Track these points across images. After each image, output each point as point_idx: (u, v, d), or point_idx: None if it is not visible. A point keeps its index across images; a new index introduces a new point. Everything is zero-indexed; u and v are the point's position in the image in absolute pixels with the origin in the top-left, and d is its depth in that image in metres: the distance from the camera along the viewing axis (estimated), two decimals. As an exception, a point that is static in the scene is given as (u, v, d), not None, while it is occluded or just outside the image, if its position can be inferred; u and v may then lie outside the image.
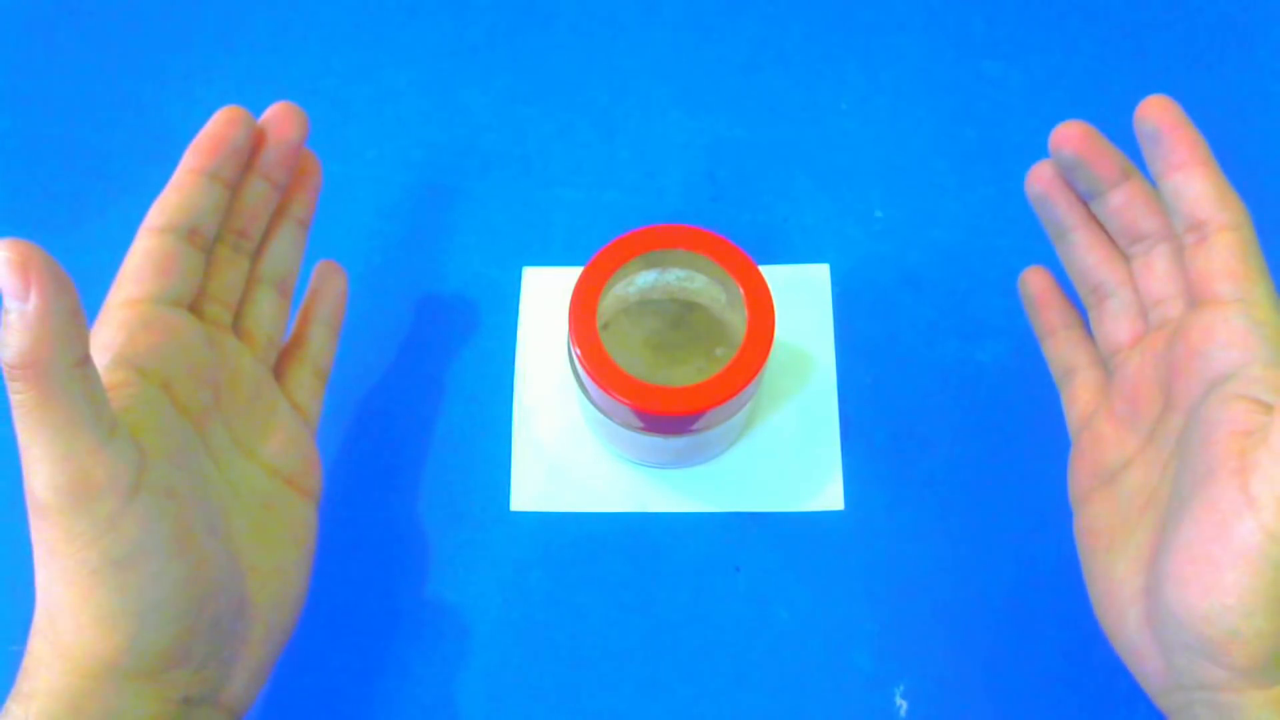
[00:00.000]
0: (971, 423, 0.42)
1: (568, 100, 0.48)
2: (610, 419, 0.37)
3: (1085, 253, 0.33)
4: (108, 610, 0.27)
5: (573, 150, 0.47)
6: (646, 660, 0.39)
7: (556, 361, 0.43)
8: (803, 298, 0.44)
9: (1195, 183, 0.29)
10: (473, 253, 0.45)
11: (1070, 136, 0.31)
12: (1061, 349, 0.35)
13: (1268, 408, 0.26)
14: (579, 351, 0.34)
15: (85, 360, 0.26)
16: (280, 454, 0.34)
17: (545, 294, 0.44)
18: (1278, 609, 0.25)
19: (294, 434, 0.35)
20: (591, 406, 0.37)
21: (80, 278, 0.45)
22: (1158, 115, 0.30)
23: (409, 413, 0.42)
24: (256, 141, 0.33)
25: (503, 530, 0.40)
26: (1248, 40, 0.49)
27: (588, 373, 0.34)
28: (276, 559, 0.33)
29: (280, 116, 0.34)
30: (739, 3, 0.50)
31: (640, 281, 0.38)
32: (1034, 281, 0.36)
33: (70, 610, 0.27)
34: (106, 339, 0.30)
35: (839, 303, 0.44)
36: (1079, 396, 0.34)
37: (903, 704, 0.38)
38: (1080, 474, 0.33)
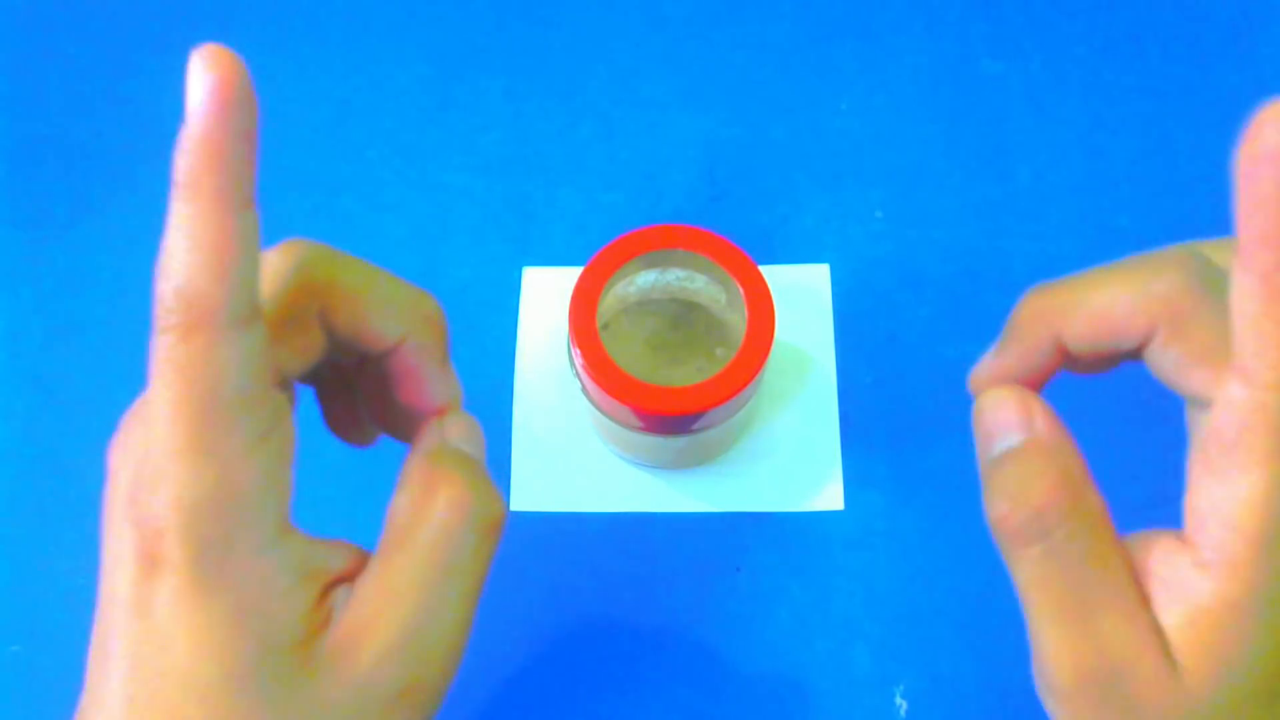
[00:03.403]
0: (971, 423, 0.41)
1: (568, 100, 0.48)
2: (610, 419, 0.37)
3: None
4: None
5: (573, 150, 0.47)
6: (647, 660, 0.39)
7: (556, 361, 0.43)
8: (803, 298, 0.44)
9: (1245, 295, 0.20)
10: (473, 253, 0.45)
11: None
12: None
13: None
14: (579, 351, 0.34)
15: None
16: None
17: (545, 294, 0.44)
18: None
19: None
20: (591, 406, 0.37)
21: (80, 277, 0.45)
22: (1247, 161, 0.20)
23: (409, 413, 0.42)
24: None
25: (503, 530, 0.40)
26: (1248, 40, 0.49)
27: (588, 373, 0.34)
28: None
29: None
30: (739, 3, 0.50)
31: (640, 281, 0.38)
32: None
33: None
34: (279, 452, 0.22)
35: (839, 303, 0.44)
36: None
37: (903, 704, 0.38)
38: None
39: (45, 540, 0.41)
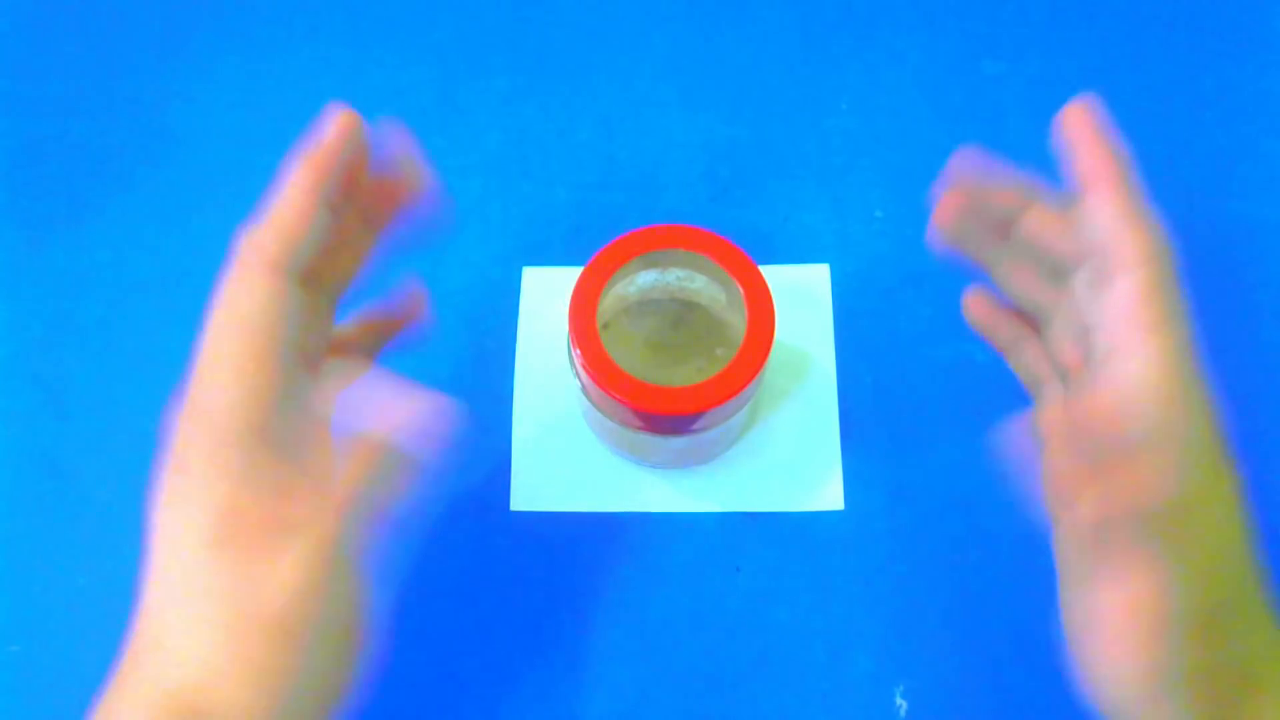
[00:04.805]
0: (971, 423, 0.41)
1: (568, 100, 0.48)
2: (610, 419, 0.37)
3: (1014, 284, 0.32)
4: (287, 690, 0.26)
5: (573, 150, 0.47)
6: (647, 660, 0.39)
7: (556, 361, 0.43)
8: (803, 298, 0.44)
9: (1099, 212, 0.27)
10: (473, 253, 0.45)
11: (946, 213, 0.30)
12: (1023, 362, 0.34)
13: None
14: (579, 351, 0.34)
15: None
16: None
17: (545, 294, 0.44)
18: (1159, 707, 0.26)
19: (331, 461, 0.32)
20: (591, 406, 0.37)
21: (80, 277, 0.45)
22: (1069, 127, 0.27)
23: (409, 413, 0.42)
24: (361, 158, 0.29)
25: (503, 530, 0.40)
26: (1248, 40, 0.49)
27: (588, 373, 0.34)
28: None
29: (390, 141, 0.29)
30: (739, 3, 0.50)
31: (640, 281, 0.38)
32: (975, 306, 0.35)
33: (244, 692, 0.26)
34: (254, 415, 0.26)
35: (839, 303, 0.44)
36: (1047, 408, 0.32)
37: (903, 704, 0.38)
38: (1047, 494, 0.32)
39: (45, 540, 0.41)
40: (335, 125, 0.27)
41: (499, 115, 0.48)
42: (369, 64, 0.49)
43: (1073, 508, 0.30)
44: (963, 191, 0.30)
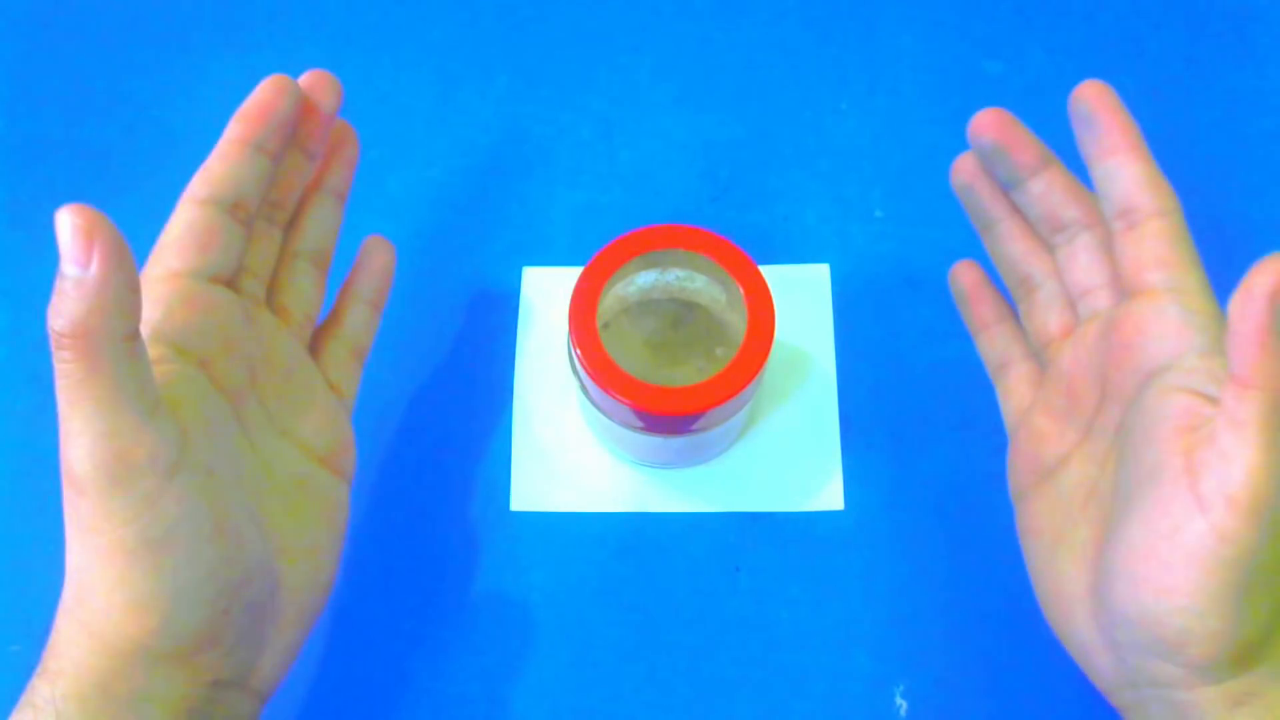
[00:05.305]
0: (971, 423, 0.42)
1: (568, 100, 0.48)
2: (610, 419, 0.37)
3: (1011, 244, 0.33)
4: (142, 591, 0.26)
5: (573, 150, 0.47)
6: (646, 660, 0.39)
7: (556, 361, 0.43)
8: (803, 298, 0.44)
9: (1126, 169, 0.29)
10: (473, 253, 0.45)
11: (988, 124, 0.31)
12: (995, 343, 0.35)
13: (1209, 400, 0.26)
14: (579, 351, 0.34)
15: (135, 335, 0.25)
16: (315, 433, 0.33)
17: (545, 294, 0.44)
18: (1230, 608, 0.25)
19: (329, 413, 0.34)
20: (591, 406, 0.37)
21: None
22: (1092, 99, 0.30)
23: (409, 412, 0.42)
24: (301, 112, 0.32)
25: (503, 530, 0.40)
26: (1248, 40, 0.49)
27: (588, 373, 0.34)
28: (309, 540, 0.33)
29: (314, 85, 0.33)
30: (739, 3, 0.50)
31: (640, 281, 0.38)
32: (965, 276, 0.36)
33: (103, 590, 0.26)
34: (144, 314, 0.28)
35: (839, 303, 0.44)
36: (1014, 391, 0.34)
37: (903, 704, 0.38)
38: (1019, 470, 0.33)
39: (45, 540, 0.41)
40: (262, 86, 0.31)
41: (499, 115, 0.48)
42: (369, 64, 0.49)
43: (1057, 473, 0.31)
44: (989, 138, 0.31)
